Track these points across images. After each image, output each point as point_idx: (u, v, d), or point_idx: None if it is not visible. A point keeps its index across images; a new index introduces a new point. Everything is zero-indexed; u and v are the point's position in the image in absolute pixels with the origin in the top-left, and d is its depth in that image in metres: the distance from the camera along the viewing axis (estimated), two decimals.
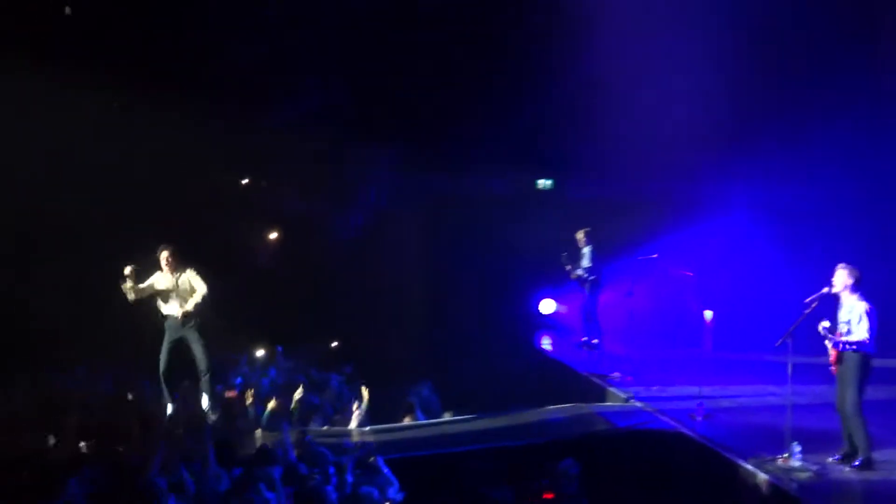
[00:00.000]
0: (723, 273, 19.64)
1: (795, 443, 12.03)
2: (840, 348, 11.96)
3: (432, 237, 23.91)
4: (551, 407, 16.02)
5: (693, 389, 14.99)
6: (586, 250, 19.12)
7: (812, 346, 12.43)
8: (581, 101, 21.58)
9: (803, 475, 11.63)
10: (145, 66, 20.86)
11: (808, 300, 12.27)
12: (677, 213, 21.30)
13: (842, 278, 12.04)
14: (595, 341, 19.42)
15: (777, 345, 12.27)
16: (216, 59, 21.94)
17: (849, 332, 11.94)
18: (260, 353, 20.64)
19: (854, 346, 11.88)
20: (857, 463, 11.90)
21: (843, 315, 12.06)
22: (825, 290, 12.19)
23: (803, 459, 11.91)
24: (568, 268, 19.30)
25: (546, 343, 21.74)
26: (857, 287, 12.02)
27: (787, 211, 21.16)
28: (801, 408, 13.13)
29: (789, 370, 12.24)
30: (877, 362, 12.07)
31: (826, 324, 12.01)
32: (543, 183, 24.67)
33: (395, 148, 24.12)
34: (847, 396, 11.93)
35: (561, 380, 18.38)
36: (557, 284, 22.28)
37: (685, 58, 20.00)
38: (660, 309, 19.47)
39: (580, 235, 19.27)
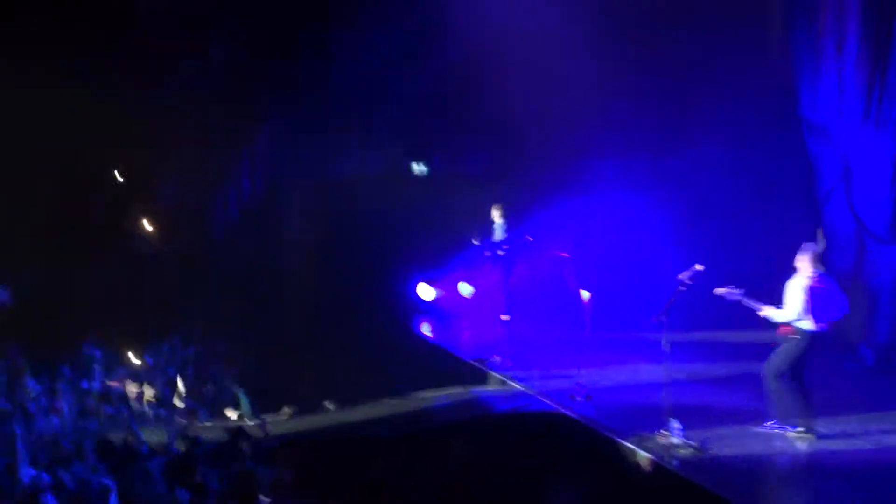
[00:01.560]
0: (599, 252, 19.73)
1: (674, 419, 12.14)
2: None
3: (312, 220, 23.67)
4: (432, 393, 15.98)
5: (573, 370, 15.06)
6: (498, 224, 18.57)
7: (687, 323, 12.57)
8: (460, 74, 21.55)
9: (684, 451, 11.76)
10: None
11: (681, 276, 12.40)
12: (553, 191, 21.34)
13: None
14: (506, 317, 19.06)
15: (654, 321, 12.38)
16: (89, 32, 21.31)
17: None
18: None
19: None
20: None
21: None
22: (698, 266, 12.32)
23: (684, 436, 12.02)
24: (477, 243, 18.70)
25: (426, 328, 21.67)
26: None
27: (664, 187, 21.32)
28: (679, 384, 13.29)
29: (665, 347, 12.35)
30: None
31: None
32: (418, 165, 24.55)
33: (273, 126, 23.79)
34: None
35: (442, 365, 18.31)
36: (437, 268, 22.26)
37: (557, 32, 20.00)
38: (538, 290, 19.49)
39: (496, 211, 18.76)
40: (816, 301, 12.13)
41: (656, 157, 21.42)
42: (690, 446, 11.87)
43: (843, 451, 11.91)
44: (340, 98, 22.50)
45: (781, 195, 20.21)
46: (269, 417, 16.61)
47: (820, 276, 12.31)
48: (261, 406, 17.31)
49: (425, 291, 23.04)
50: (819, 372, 12.86)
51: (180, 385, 16.34)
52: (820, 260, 12.43)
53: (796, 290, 12.20)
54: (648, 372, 14.95)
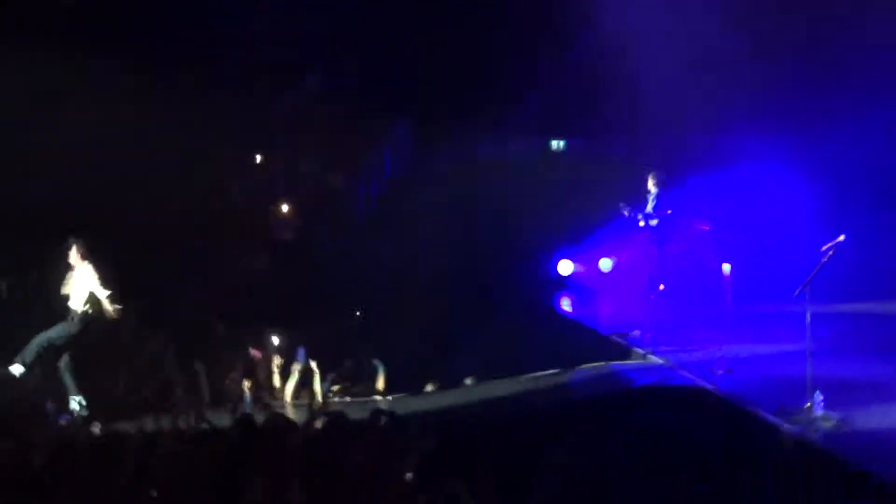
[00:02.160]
0: (740, 226, 19.48)
1: (817, 392, 11.95)
2: None
3: (448, 206, 23.79)
4: (572, 368, 15.98)
5: (714, 344, 14.92)
6: (652, 193, 18.30)
7: (829, 295, 12.34)
8: (589, 60, 21.43)
9: (827, 424, 11.56)
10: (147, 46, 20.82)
11: (824, 248, 12.19)
12: (691, 166, 21.10)
13: None
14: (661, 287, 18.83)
15: (795, 295, 12.20)
16: (222, 32, 21.83)
17: None
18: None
19: None
20: None
21: None
22: (841, 237, 12.09)
23: (827, 409, 11.82)
24: (628, 213, 18.41)
25: (566, 304, 21.67)
26: None
27: (802, 162, 20.94)
28: (823, 357, 13.05)
29: (808, 320, 12.16)
30: None
31: None
32: (557, 144, 24.54)
33: (407, 117, 24.07)
34: None
35: (582, 341, 18.30)
36: (577, 245, 22.28)
37: (701, 14, 19.77)
38: (678, 264, 19.32)
39: (651, 180, 18.49)
40: None
41: (805, 131, 20.98)
42: (834, 419, 11.66)
43: None
44: (480, 80, 22.60)
45: None
46: (410, 395, 16.82)
47: None
48: (405, 383, 17.49)
49: (565, 267, 23.04)
50: None
51: (313, 365, 16.59)
52: None
53: None
54: (790, 345, 14.71)
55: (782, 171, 20.72)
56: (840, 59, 20.15)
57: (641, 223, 17.94)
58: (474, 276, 22.87)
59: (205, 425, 11.17)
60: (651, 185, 18.01)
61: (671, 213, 17.29)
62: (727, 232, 17.41)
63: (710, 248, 17.56)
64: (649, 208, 17.92)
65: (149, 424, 11.73)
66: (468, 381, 17.09)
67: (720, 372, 14.12)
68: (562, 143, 24.58)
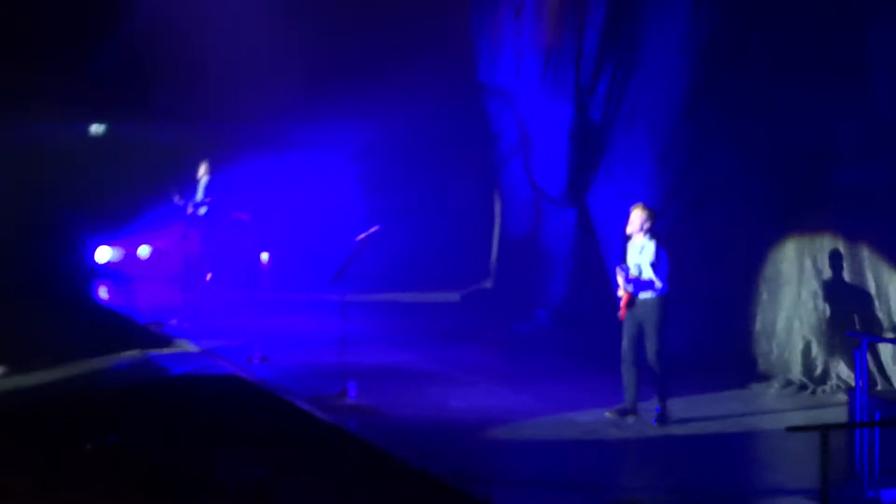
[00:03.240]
0: (281, 214, 19.62)
1: (352, 380, 12.17)
2: (635, 291, 11.43)
3: None
4: (106, 357, 15.46)
5: (251, 332, 14.90)
6: (202, 181, 17.99)
7: (363, 285, 12.60)
8: (137, 43, 20.82)
9: (361, 412, 11.78)
10: None
11: (359, 237, 12.42)
12: (229, 153, 21.03)
13: (638, 218, 11.52)
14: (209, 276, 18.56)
15: (330, 283, 12.37)
16: None
17: (640, 275, 11.45)
18: None
19: (653, 290, 11.42)
20: (657, 410, 11.57)
21: (633, 257, 11.59)
22: (374, 227, 12.36)
23: (360, 396, 12.05)
24: (179, 202, 18.03)
25: (103, 292, 21.03)
26: (651, 228, 11.51)
27: (339, 151, 21.39)
28: (357, 345, 13.33)
29: (342, 308, 12.36)
30: None
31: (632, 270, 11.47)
32: (96, 128, 23.66)
33: None
34: (651, 345, 11.45)
35: (118, 329, 17.78)
36: (117, 231, 21.67)
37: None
38: (216, 252, 19.19)
39: (202, 167, 18.13)
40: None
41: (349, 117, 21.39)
42: (368, 407, 11.90)
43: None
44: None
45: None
46: None
47: None
48: None
49: (103, 254, 22.36)
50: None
51: None
52: None
53: (654, 254, 11.50)
54: (326, 333, 14.93)
55: (325, 159, 21.08)
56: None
57: (189, 210, 17.75)
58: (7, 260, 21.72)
59: None
60: (202, 174, 17.85)
61: (210, 201, 17.15)
62: (267, 220, 17.47)
63: (248, 237, 17.57)
64: (199, 196, 17.75)
65: None
66: None
67: (256, 360, 14.11)
68: (102, 128, 23.72)
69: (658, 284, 11.35)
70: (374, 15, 20.59)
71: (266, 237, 17.03)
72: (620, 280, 11.48)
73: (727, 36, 14.17)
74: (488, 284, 19.96)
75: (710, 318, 13.94)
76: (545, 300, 17.43)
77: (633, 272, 11.43)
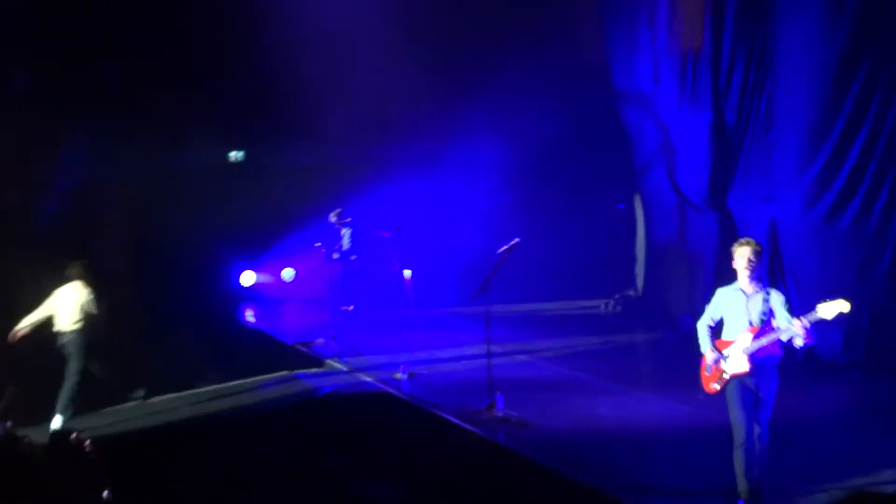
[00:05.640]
0: (420, 230, 19.71)
1: (498, 393, 12.16)
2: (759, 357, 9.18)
3: (131, 216, 23.00)
4: (257, 378, 15.74)
5: (397, 348, 15.02)
6: (345, 231, 18.33)
7: (507, 296, 12.60)
8: (264, 72, 21.18)
9: (508, 424, 11.76)
10: None
11: (500, 251, 12.40)
12: (368, 173, 21.26)
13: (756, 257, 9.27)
14: (351, 307, 18.80)
15: (474, 297, 12.39)
16: None
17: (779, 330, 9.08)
18: None
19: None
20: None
21: (744, 312, 9.35)
22: (516, 240, 12.33)
23: (508, 409, 12.04)
24: (323, 250, 18.37)
25: (250, 315, 21.40)
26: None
27: (473, 166, 21.44)
28: (502, 358, 13.36)
29: (487, 321, 12.36)
30: None
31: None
32: (235, 155, 24.10)
33: (84, 126, 23.00)
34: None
35: (267, 350, 18.09)
36: (260, 255, 22.04)
37: (376, 24, 19.88)
38: (361, 270, 19.38)
39: (333, 217, 18.48)
40: None
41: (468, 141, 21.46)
42: (515, 419, 11.89)
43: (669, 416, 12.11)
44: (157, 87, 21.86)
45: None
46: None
47: None
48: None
49: (248, 278, 22.77)
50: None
51: None
52: None
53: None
54: (471, 347, 14.99)
55: (455, 177, 21.17)
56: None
57: (335, 257, 18.02)
58: (157, 287, 22.23)
59: None
60: (336, 223, 18.08)
61: (351, 221, 17.37)
62: (407, 237, 17.58)
63: (391, 254, 17.71)
64: (346, 244, 18.01)
65: None
66: (138, 394, 16.49)
67: (403, 376, 14.20)
68: (240, 154, 24.16)
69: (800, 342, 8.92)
70: (506, 28, 20.67)
71: (408, 253, 17.14)
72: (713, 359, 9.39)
73: (866, 34, 13.83)
74: (632, 293, 19.84)
75: None
76: (691, 306, 17.22)
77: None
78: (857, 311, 12.51)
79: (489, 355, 12.39)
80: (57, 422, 13.80)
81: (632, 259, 20.06)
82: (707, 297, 16.84)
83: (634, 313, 18.72)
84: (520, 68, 20.41)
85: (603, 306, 19.59)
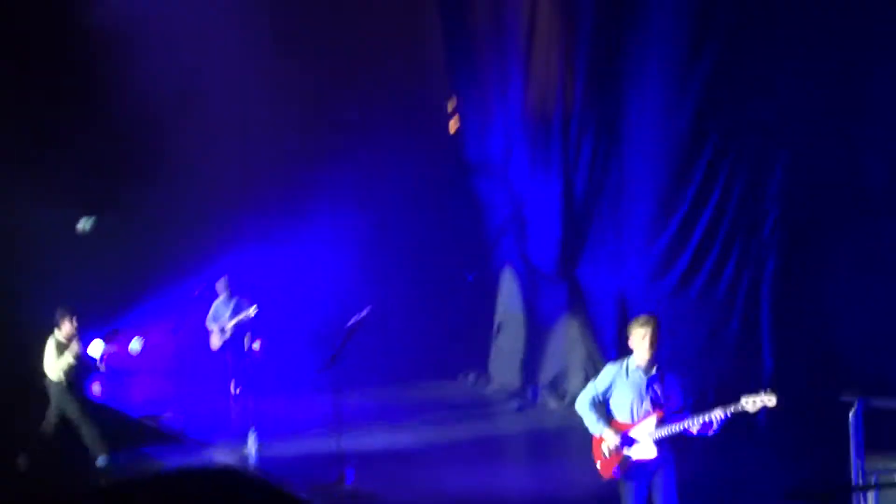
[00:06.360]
0: (271, 302, 19.45)
1: (350, 467, 12.08)
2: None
3: None
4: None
5: (245, 421, 14.81)
6: (232, 301, 18.01)
7: (355, 371, 12.55)
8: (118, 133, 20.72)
9: (359, 499, 11.69)
10: None
11: (350, 324, 12.35)
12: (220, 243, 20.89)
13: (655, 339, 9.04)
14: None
15: (319, 371, 12.33)
16: None
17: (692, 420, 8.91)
18: None
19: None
20: None
21: (658, 390, 9.11)
22: (366, 311, 12.29)
23: (357, 482, 11.95)
24: (214, 326, 18.15)
25: (97, 388, 20.85)
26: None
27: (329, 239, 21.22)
28: (355, 430, 13.27)
29: (336, 393, 12.30)
30: None
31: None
32: (84, 222, 23.42)
33: None
34: None
35: (113, 424, 17.64)
36: (111, 324, 21.53)
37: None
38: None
39: (221, 285, 18.21)
40: None
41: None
42: (364, 494, 11.80)
43: None
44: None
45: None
46: None
47: None
48: None
49: (96, 348, 22.20)
50: None
51: None
52: None
53: None
54: (322, 419, 14.83)
55: (311, 249, 20.91)
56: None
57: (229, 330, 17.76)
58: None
59: None
60: (221, 291, 17.84)
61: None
62: (263, 309, 17.40)
63: (247, 327, 17.56)
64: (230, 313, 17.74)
65: None
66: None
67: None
68: (90, 222, 23.51)
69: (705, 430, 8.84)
70: (351, 90, 20.48)
71: (259, 325, 16.98)
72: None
73: (712, 109, 14.11)
74: (488, 364, 19.61)
75: None
76: (540, 378, 17.34)
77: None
78: (704, 387, 12.67)
79: (340, 428, 12.30)
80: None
81: (486, 330, 19.99)
82: (558, 368, 17.09)
83: (488, 384, 18.70)
84: (368, 145, 20.27)
85: (460, 378, 19.47)
